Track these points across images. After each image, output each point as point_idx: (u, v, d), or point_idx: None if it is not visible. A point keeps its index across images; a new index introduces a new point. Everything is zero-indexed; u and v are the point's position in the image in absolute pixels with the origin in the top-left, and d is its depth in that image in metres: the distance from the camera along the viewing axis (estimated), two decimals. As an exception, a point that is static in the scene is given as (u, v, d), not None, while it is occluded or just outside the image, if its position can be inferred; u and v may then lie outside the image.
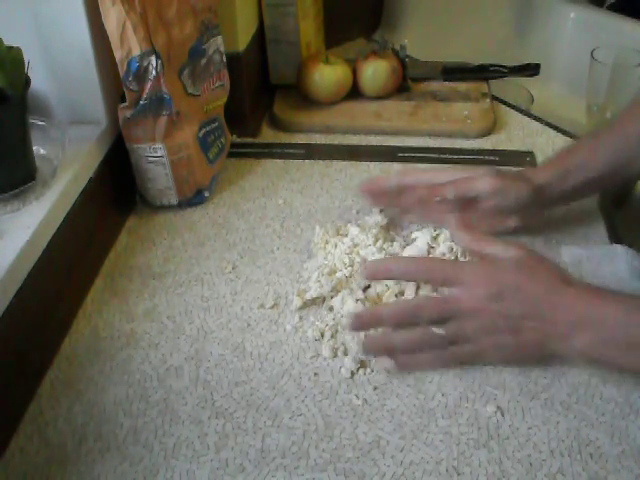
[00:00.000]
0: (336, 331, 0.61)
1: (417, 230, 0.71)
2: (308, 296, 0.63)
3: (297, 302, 0.63)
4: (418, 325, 0.55)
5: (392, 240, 0.70)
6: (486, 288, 0.54)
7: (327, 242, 0.70)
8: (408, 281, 0.59)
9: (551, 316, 0.53)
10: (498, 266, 0.56)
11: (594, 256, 0.67)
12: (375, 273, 0.59)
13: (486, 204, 0.67)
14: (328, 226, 0.71)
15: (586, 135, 0.73)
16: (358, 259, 0.67)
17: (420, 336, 0.55)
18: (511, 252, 0.56)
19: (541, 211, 0.70)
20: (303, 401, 0.56)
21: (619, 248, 0.68)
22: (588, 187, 0.69)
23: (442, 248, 0.67)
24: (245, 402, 0.56)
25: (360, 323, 0.57)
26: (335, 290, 0.64)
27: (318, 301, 0.64)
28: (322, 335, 0.61)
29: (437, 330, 0.54)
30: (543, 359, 0.57)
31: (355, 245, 0.68)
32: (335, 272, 0.66)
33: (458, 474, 0.50)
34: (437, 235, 0.70)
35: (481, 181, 0.67)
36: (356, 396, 0.56)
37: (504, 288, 0.54)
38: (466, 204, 0.68)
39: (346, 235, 0.70)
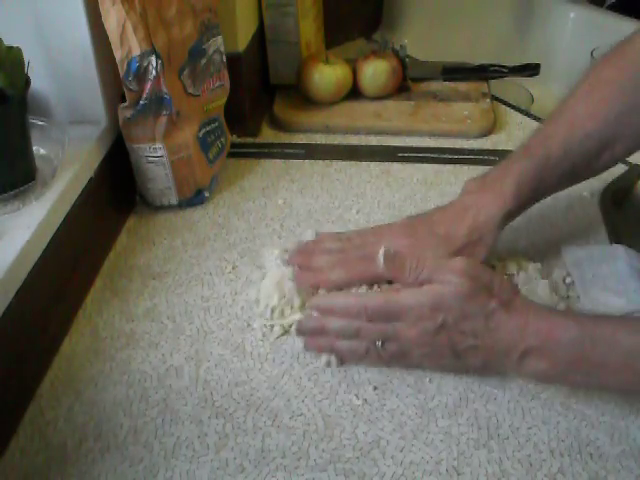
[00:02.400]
0: None
1: None
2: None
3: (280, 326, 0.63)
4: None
5: None
6: (429, 321, 0.52)
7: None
8: (352, 317, 0.56)
9: (497, 345, 0.52)
10: (437, 298, 0.53)
11: (594, 256, 0.67)
12: (319, 308, 0.58)
13: None
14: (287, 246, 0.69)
15: (530, 154, 0.65)
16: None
17: (362, 347, 0.56)
18: (453, 277, 0.53)
19: None
20: (303, 401, 0.56)
21: (619, 248, 0.68)
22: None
23: None
24: (245, 402, 0.56)
25: (306, 330, 0.58)
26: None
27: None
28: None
29: (379, 344, 0.55)
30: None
31: None
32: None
33: (458, 474, 0.50)
34: None
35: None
36: (356, 396, 0.56)
37: (443, 321, 0.52)
38: None
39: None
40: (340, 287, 0.62)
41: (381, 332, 0.55)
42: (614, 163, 0.67)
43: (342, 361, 0.58)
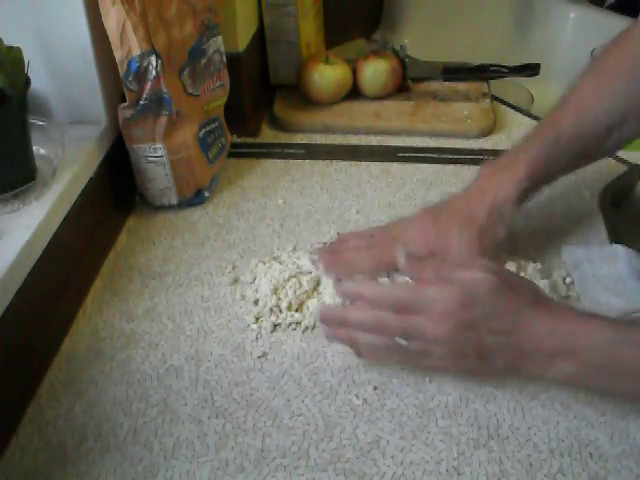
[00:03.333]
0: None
1: None
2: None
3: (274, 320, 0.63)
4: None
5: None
6: (454, 318, 0.51)
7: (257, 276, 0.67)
8: (377, 307, 0.54)
9: (525, 345, 0.51)
10: (466, 293, 0.51)
11: (594, 256, 0.67)
12: (348, 294, 0.58)
13: None
14: (265, 259, 0.69)
15: (541, 136, 0.67)
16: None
17: (384, 342, 0.54)
18: (478, 275, 0.52)
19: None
20: (303, 401, 0.56)
21: (619, 248, 0.68)
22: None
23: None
24: (245, 402, 0.56)
25: (327, 319, 0.57)
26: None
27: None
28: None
29: (401, 341, 0.53)
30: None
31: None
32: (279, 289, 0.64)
33: (458, 474, 0.50)
34: None
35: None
36: (356, 396, 0.56)
37: (473, 317, 0.51)
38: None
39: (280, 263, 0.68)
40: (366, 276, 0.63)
41: (404, 326, 0.52)
42: (623, 143, 0.67)
43: (360, 354, 0.57)
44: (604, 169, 0.82)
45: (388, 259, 0.62)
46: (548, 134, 0.65)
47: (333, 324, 0.57)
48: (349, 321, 0.55)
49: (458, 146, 0.90)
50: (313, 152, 0.89)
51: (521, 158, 0.65)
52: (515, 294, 0.52)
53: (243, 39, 0.88)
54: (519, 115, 0.97)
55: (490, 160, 0.68)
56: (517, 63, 1.02)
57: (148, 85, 0.68)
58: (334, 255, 0.67)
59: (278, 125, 0.94)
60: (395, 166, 0.86)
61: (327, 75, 0.94)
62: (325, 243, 0.70)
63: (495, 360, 0.52)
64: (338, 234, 0.71)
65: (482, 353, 0.52)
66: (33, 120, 0.62)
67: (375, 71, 0.95)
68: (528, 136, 0.67)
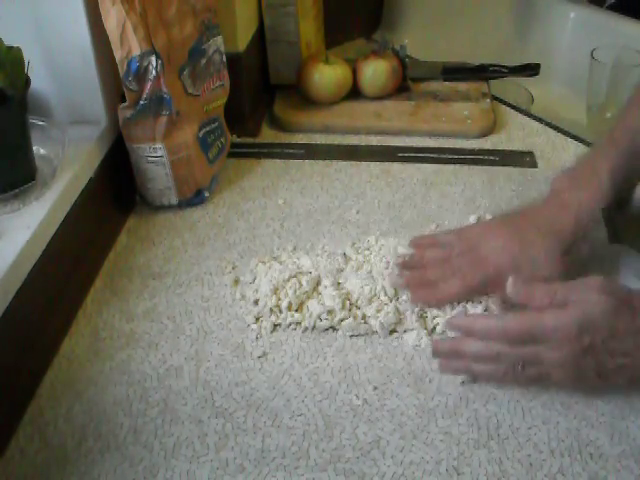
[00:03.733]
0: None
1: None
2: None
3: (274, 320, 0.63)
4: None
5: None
6: (572, 346, 0.50)
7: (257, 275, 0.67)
8: (492, 340, 0.53)
9: None
10: (582, 318, 0.50)
11: (594, 257, 0.67)
12: (458, 327, 0.57)
13: None
14: (266, 258, 0.69)
15: (617, 146, 0.64)
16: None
17: (500, 371, 0.54)
18: (592, 296, 0.51)
19: None
20: (303, 401, 0.56)
21: (619, 248, 0.68)
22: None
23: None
24: (245, 402, 0.56)
25: (442, 352, 0.57)
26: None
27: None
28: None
29: (518, 367, 0.53)
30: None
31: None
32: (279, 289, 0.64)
33: (458, 474, 0.50)
34: None
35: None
36: (356, 396, 0.56)
37: (591, 343, 0.50)
38: None
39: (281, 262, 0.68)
40: (459, 298, 0.62)
41: (522, 356, 0.52)
42: None
43: (476, 380, 0.57)
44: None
45: (477, 279, 0.61)
46: (623, 143, 0.63)
47: (447, 356, 0.57)
48: (464, 353, 0.55)
49: (458, 146, 0.90)
50: (313, 152, 0.89)
51: (601, 172, 0.63)
52: (633, 313, 0.51)
53: (243, 39, 0.88)
54: (519, 115, 0.97)
55: (563, 173, 0.66)
56: (517, 63, 1.02)
57: (148, 85, 0.68)
58: (416, 273, 0.64)
59: (278, 125, 0.94)
60: (395, 166, 0.86)
61: (327, 75, 0.94)
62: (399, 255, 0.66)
63: (616, 379, 0.52)
64: (411, 241, 0.68)
65: (602, 374, 0.51)
66: (33, 120, 0.62)
67: (375, 71, 0.95)
68: (602, 145, 0.65)
